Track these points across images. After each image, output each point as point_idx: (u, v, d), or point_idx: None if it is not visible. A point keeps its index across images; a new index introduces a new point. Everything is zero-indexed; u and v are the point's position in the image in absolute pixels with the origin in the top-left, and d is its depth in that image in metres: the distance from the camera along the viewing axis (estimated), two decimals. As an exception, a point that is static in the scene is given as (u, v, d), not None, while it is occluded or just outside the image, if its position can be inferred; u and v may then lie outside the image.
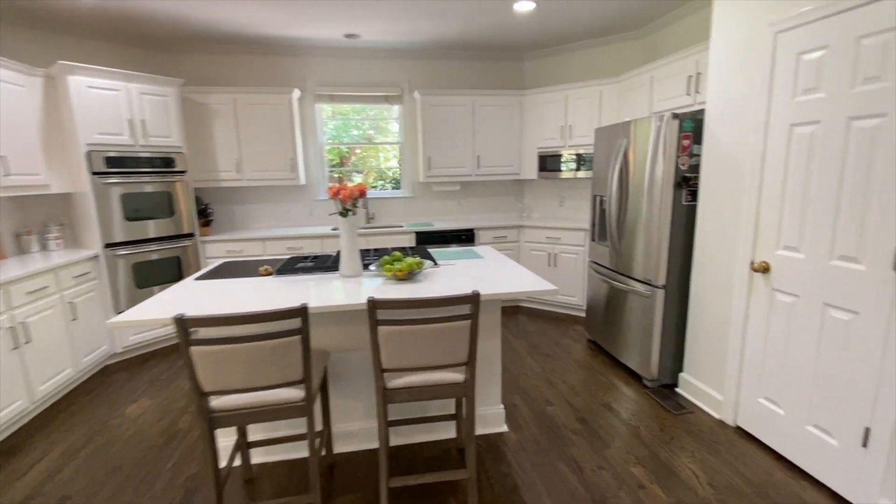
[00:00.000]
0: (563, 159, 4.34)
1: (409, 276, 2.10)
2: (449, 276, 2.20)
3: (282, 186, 4.54)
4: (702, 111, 2.56)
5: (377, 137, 4.79)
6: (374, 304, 1.58)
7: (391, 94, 4.61)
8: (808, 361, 1.97)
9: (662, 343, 2.79)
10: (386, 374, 1.72)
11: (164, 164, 3.60)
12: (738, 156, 2.29)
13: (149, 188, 3.53)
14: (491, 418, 2.40)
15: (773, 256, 2.11)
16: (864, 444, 1.75)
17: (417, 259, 2.19)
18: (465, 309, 1.94)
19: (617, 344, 3.16)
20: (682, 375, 2.77)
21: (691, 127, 2.56)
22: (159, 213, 3.61)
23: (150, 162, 3.52)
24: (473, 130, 4.51)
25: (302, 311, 1.50)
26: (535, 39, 4.30)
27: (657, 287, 2.73)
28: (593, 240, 3.47)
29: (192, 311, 1.72)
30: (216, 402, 1.59)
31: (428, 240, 4.31)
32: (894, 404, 1.63)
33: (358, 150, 4.82)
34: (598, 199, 3.37)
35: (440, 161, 4.49)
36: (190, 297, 1.92)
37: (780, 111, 2.03)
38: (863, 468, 1.76)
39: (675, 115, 2.54)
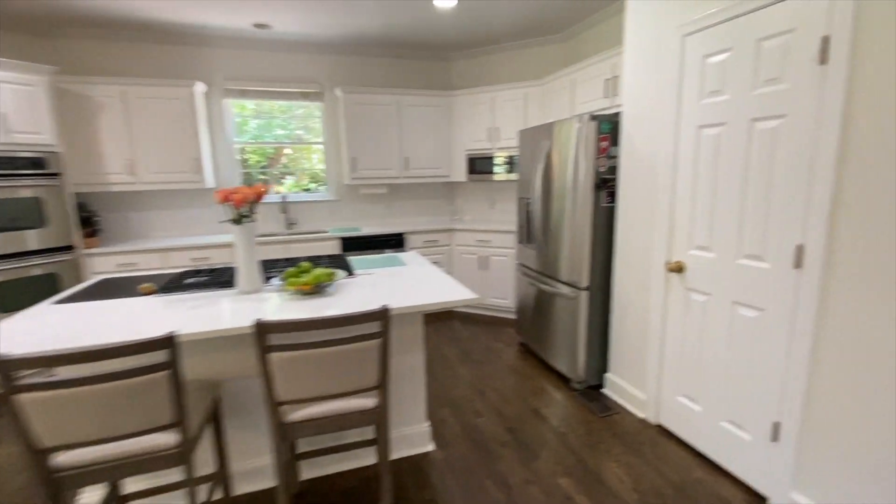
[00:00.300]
0: (492, 161, 4.29)
1: (316, 289, 1.88)
2: (365, 287, 2.01)
3: (186, 190, 4.07)
4: (619, 113, 2.58)
5: (308, 137, 4.46)
6: (262, 329, 1.35)
7: (310, 90, 4.31)
8: (721, 358, 2.01)
9: (588, 344, 2.79)
10: (283, 407, 1.49)
11: (31, 165, 3.06)
12: (652, 157, 2.31)
13: (11, 193, 2.98)
14: (415, 438, 2.23)
15: (687, 256, 2.14)
16: (775, 439, 1.79)
17: (328, 270, 1.97)
18: (373, 326, 1.73)
19: (546, 347, 3.13)
20: (608, 376, 2.78)
21: (608, 129, 2.57)
22: (26, 222, 3.06)
23: (11, 162, 2.96)
24: (400, 131, 4.33)
25: (167, 342, 1.24)
26: (462, 39, 4.22)
27: (581, 289, 2.72)
28: (521, 242, 3.43)
29: (34, 345, 1.38)
30: (62, 457, 1.28)
31: (354, 246, 4.07)
32: (800, 399, 1.68)
33: (289, 151, 4.47)
34: (524, 201, 3.33)
35: (366, 162, 4.26)
36: (38, 327, 1.57)
37: (689, 113, 2.06)
38: (774, 462, 1.80)
39: (593, 117, 2.53)
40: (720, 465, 2.06)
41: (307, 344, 1.39)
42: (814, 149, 1.56)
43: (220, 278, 2.14)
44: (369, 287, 2.00)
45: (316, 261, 2.50)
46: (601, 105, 3.19)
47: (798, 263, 1.65)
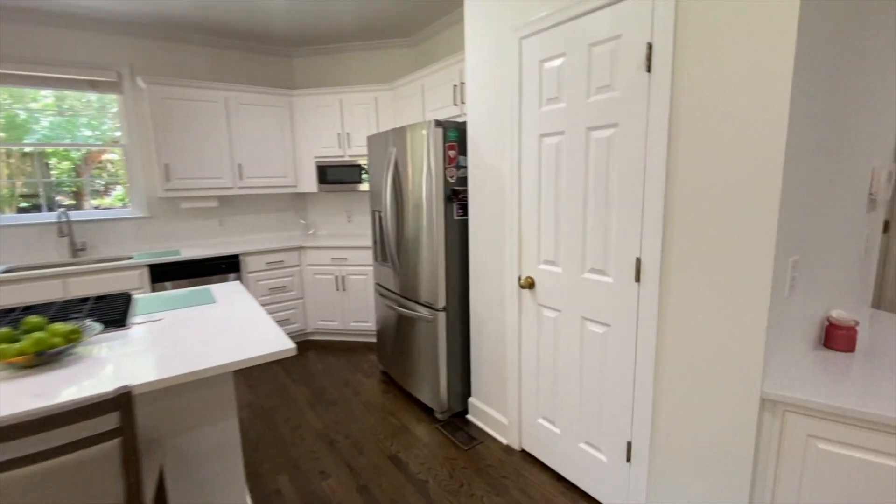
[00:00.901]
0: (345, 170, 3.88)
1: (41, 360, 1.26)
2: (135, 346, 1.43)
3: None
4: (464, 123, 2.40)
5: (111, 137, 3.47)
6: None
7: (102, 78, 3.38)
8: (574, 377, 1.92)
9: (450, 370, 2.56)
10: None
11: None
12: (499, 167, 2.17)
13: None
14: (233, 530, 1.71)
15: (536, 271, 2.03)
16: (628, 459, 1.73)
17: (69, 326, 1.35)
18: (108, 421, 1.00)
19: (407, 375, 2.82)
20: (471, 401, 2.58)
21: (456, 136, 2.38)
22: None
23: None
24: (231, 133, 3.66)
25: None
26: (304, 34, 3.73)
27: (438, 310, 2.47)
28: (376, 260, 3.08)
29: None
30: None
31: (170, 274, 3.27)
32: (648, 416, 1.63)
33: (114, 156, 3.42)
34: (376, 214, 2.99)
35: (184, 170, 3.48)
36: None
37: (530, 121, 1.95)
38: (629, 482, 1.73)
39: (438, 123, 2.31)
40: (582, 489, 1.97)
41: (-36, 475, 0.82)
42: (645, 159, 1.51)
43: None
44: (142, 345, 1.44)
45: (71, 308, 1.80)
46: (452, 112, 3.03)
47: (638, 277, 1.59)
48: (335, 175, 3.92)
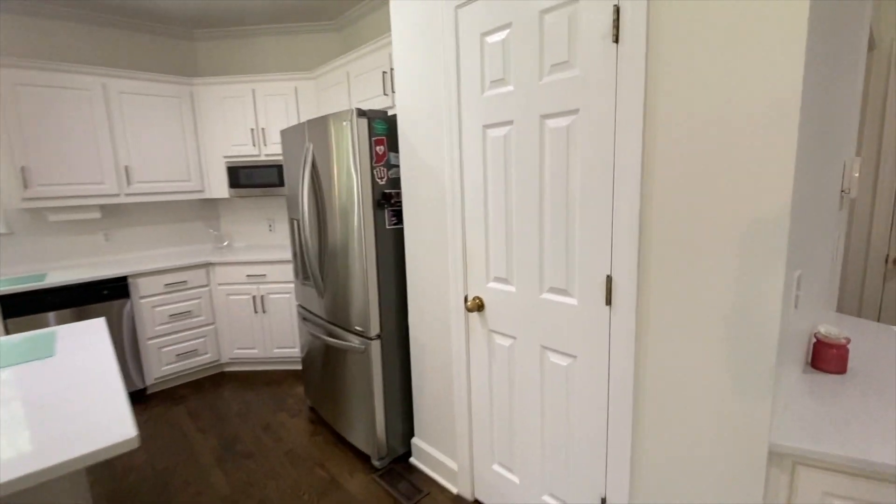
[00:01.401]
0: (261, 171, 3.35)
1: None
2: None
3: None
4: (394, 117, 2.01)
5: None
6: None
7: (-74, 57, 2.61)
8: (534, 417, 1.59)
9: (387, 408, 2.15)
10: None
11: None
12: (437, 166, 1.80)
13: None
14: None
15: (486, 290, 1.68)
16: (602, 519, 1.42)
17: None
18: None
19: (338, 415, 2.38)
20: (415, 441, 2.20)
21: (384, 129, 1.99)
22: None
23: None
24: (113, 129, 3.00)
25: None
26: (206, 13, 3.15)
27: (371, 338, 2.06)
28: (297, 277, 2.61)
29: None
30: None
31: (30, 306, 2.58)
32: (627, 468, 1.33)
33: None
34: (294, 223, 2.52)
35: (49, 174, 2.80)
36: None
37: (472, 109, 1.60)
38: (604, 547, 1.43)
39: (362, 113, 1.91)
40: (547, 549, 1.65)
41: None
42: (615, 152, 1.21)
43: None
44: None
45: None
46: (383, 103, 2.63)
47: (609, 299, 1.29)
48: (250, 177, 3.37)
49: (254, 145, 3.34)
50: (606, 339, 1.32)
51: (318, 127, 2.12)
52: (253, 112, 3.31)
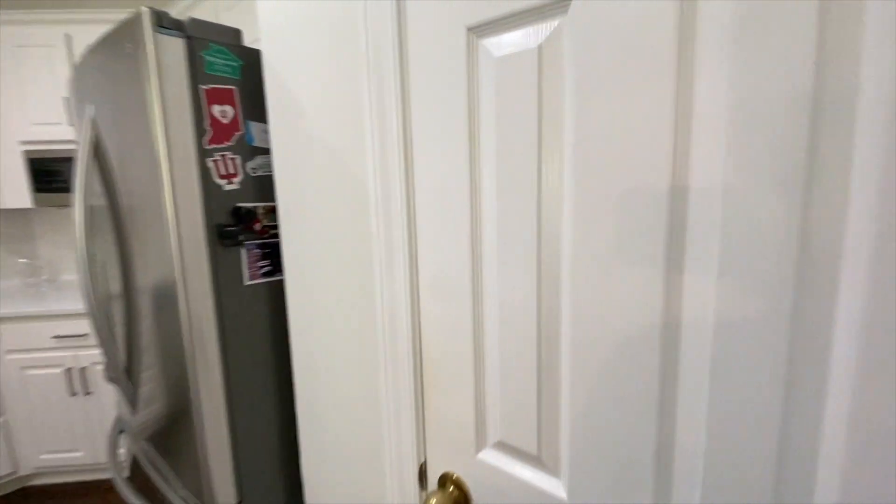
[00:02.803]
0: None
1: None
2: None
3: None
4: (256, 50, 0.91)
5: None
6: None
7: None
8: None
9: None
10: None
11: None
12: (352, 145, 0.75)
13: None
14: None
15: (475, 466, 0.65)
16: None
17: None
18: None
19: None
20: None
21: (232, 71, 0.90)
22: None
23: None
24: None
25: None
26: None
27: (217, 521, 0.96)
28: (106, 374, 1.42)
29: None
30: None
31: None
32: None
33: None
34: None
35: None
36: None
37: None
38: None
39: (171, 24, 0.81)
40: None
41: None
42: None
43: None
44: None
45: None
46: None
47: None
48: (67, 175, 2.11)
49: (70, 124, 2.09)
50: None
51: (100, 65, 0.99)
52: (69, 69, 2.06)
